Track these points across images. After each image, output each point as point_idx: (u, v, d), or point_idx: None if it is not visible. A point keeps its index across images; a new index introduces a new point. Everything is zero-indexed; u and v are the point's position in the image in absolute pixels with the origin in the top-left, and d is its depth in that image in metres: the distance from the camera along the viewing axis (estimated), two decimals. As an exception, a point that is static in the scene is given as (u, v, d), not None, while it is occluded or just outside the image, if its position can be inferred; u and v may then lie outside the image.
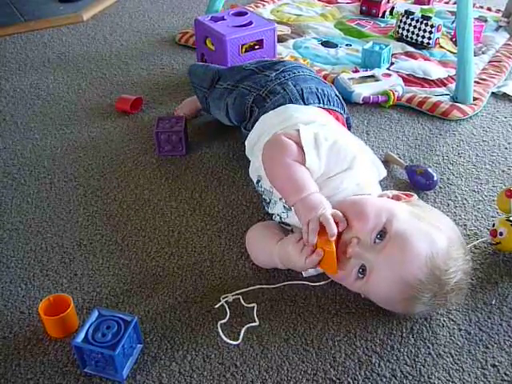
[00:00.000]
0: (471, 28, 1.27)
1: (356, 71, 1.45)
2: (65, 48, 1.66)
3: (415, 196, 0.84)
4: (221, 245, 0.95)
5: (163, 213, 1.02)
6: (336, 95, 1.07)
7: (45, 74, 1.52)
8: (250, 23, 1.39)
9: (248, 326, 0.80)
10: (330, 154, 0.84)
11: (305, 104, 1.00)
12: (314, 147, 0.84)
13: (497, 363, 0.76)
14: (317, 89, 1.03)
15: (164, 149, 1.17)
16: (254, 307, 0.83)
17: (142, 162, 1.16)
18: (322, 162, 0.84)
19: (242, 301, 0.84)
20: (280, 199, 0.89)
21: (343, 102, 1.09)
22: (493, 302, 0.84)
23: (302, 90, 1.02)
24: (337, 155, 0.85)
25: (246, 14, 1.44)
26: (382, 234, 0.75)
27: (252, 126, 1.02)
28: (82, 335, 0.72)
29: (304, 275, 0.86)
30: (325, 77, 1.44)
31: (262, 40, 1.38)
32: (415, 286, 0.72)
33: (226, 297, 0.84)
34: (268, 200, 0.94)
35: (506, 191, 0.93)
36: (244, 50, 1.37)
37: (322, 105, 1.01)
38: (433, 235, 0.74)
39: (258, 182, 0.96)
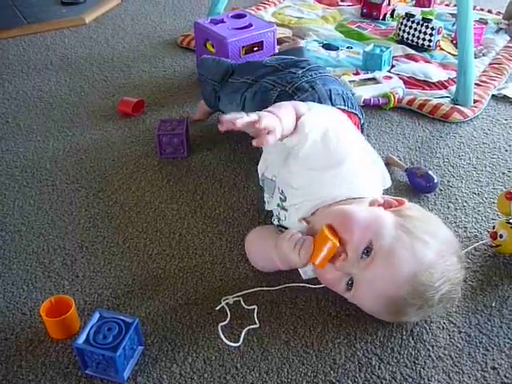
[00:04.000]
0: (472, 30, 1.27)
1: (357, 74, 1.45)
2: (67, 50, 1.67)
3: (407, 203, 0.82)
4: (222, 247, 0.95)
5: (164, 215, 1.03)
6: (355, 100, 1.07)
7: (47, 76, 1.52)
8: (250, 25, 1.39)
9: (248, 328, 0.81)
10: (323, 140, 0.83)
11: (332, 105, 0.99)
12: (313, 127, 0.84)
13: (497, 366, 0.76)
14: (342, 91, 1.02)
15: (165, 151, 1.17)
16: (254, 309, 0.83)
17: (143, 164, 1.17)
18: (316, 130, 0.83)
19: (243, 303, 0.84)
20: (279, 191, 0.89)
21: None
22: (493, 305, 0.84)
23: (330, 90, 1.00)
24: (327, 144, 0.83)
25: (245, 16, 1.44)
26: (369, 249, 0.74)
27: None
28: (83, 337, 0.73)
29: (304, 278, 0.86)
30: (326, 79, 1.44)
31: (262, 42, 1.39)
32: (399, 303, 0.73)
33: (227, 299, 0.85)
34: (268, 194, 0.94)
35: (506, 194, 0.94)
36: (244, 52, 1.38)
37: (346, 107, 1.00)
38: (418, 252, 0.73)
39: (263, 173, 0.96)
